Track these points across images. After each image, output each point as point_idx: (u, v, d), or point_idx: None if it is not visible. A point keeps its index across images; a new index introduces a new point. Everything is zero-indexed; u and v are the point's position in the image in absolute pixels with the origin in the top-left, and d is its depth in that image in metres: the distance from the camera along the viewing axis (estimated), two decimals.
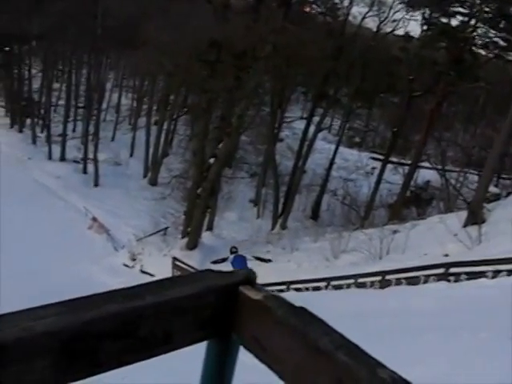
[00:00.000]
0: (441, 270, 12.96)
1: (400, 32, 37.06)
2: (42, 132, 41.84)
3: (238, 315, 0.81)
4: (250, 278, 0.83)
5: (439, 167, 32.35)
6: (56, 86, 46.50)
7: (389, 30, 36.94)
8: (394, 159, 36.56)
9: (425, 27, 34.46)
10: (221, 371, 0.85)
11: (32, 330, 0.64)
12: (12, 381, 0.64)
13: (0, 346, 0.62)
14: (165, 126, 38.08)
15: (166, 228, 29.14)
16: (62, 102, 43.73)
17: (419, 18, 34.66)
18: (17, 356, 0.63)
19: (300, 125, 37.51)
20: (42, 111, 42.72)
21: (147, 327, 0.73)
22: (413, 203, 32.79)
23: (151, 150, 37.89)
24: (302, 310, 0.77)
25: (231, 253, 17.08)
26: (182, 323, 0.77)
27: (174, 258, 23.27)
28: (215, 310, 0.80)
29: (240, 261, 15.74)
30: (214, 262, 19.63)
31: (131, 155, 40.57)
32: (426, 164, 34.50)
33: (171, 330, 0.76)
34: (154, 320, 0.74)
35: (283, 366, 0.75)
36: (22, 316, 0.66)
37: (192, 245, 25.91)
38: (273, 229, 31.89)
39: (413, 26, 37.04)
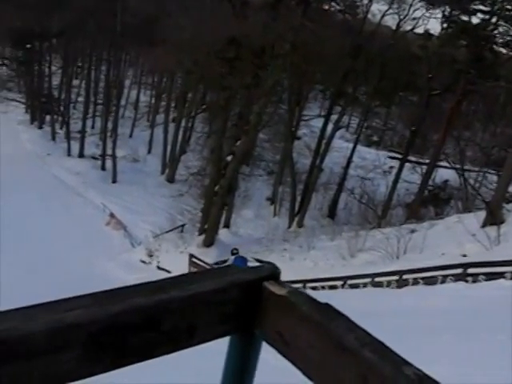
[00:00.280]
0: (459, 271, 12.86)
1: (420, 30, 36.79)
2: (61, 128, 42.20)
3: (262, 310, 0.81)
4: (274, 274, 0.83)
5: (458, 167, 32.06)
6: (75, 82, 46.91)
7: (408, 27, 36.70)
8: (412, 158, 36.31)
9: (445, 25, 34.15)
10: (243, 366, 0.86)
11: (61, 321, 0.64)
12: (39, 372, 0.64)
13: (30, 336, 0.62)
14: (183, 124, 38.18)
15: (183, 225, 29.25)
16: (81, 99, 44.11)
17: (439, 15, 34.37)
18: (45, 347, 0.64)
19: (318, 123, 37.40)
20: (62, 108, 43.09)
21: (172, 321, 0.74)
22: (431, 203, 32.55)
23: (169, 147, 38.02)
24: (327, 306, 0.77)
25: (232, 254, 17.20)
26: (206, 317, 0.78)
27: (191, 255, 23.35)
28: (239, 305, 0.80)
29: (240, 262, 15.75)
30: (216, 264, 19.72)
31: (149, 152, 40.77)
32: (445, 163, 34.22)
33: (195, 324, 0.77)
34: (179, 314, 0.74)
35: (307, 361, 0.75)
36: (52, 307, 0.66)
37: (209, 242, 25.99)
38: (289, 227, 31.86)
39: (433, 23, 36.92)
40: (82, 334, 0.66)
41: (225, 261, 17.94)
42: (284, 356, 0.79)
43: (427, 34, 36.29)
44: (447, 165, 33.99)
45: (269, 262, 0.84)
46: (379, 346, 0.70)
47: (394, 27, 36.91)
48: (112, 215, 29.90)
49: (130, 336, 0.70)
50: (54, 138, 41.11)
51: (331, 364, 0.72)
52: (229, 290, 0.79)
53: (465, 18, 32.29)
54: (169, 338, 0.75)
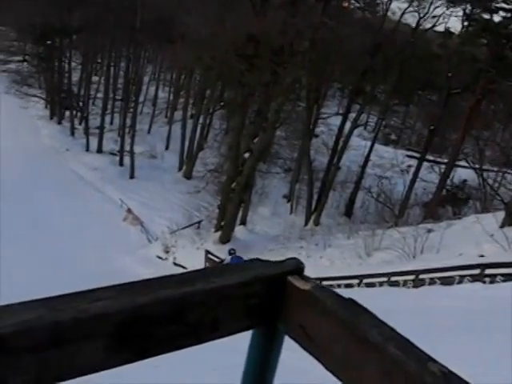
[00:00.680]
0: (476, 271, 12.76)
1: (440, 28, 36.44)
2: (80, 124, 42.51)
3: (285, 305, 0.82)
4: (298, 268, 0.84)
5: (476, 166, 31.74)
6: (95, 78, 47.19)
7: (428, 26, 36.33)
8: (430, 157, 36.01)
9: (466, 23, 33.79)
10: (265, 360, 0.87)
11: (88, 311, 0.65)
12: (64, 362, 0.65)
13: (57, 325, 0.63)
14: (201, 120, 38.26)
15: (200, 221, 29.35)
16: (100, 95, 44.37)
17: (460, 13, 34.01)
18: (72, 336, 0.65)
19: (336, 121, 37.25)
20: (81, 103, 43.39)
21: (196, 313, 0.75)
22: (448, 202, 32.28)
23: (187, 144, 38.13)
24: (351, 301, 0.78)
25: (229, 254, 17.25)
26: (230, 311, 0.79)
27: (207, 252, 23.45)
28: (263, 298, 0.81)
29: (237, 262, 15.79)
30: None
31: (167, 148, 40.91)
32: (463, 163, 33.91)
33: (219, 317, 0.78)
34: (203, 306, 0.76)
35: (330, 356, 0.76)
36: (79, 297, 0.68)
37: (225, 239, 26.06)
38: (306, 225, 31.80)
39: (453, 22, 36.55)
40: (108, 324, 0.67)
41: (222, 261, 18.03)
42: (306, 350, 0.80)
43: (447, 33, 35.97)
44: (466, 164, 33.67)
45: (293, 258, 0.85)
46: (404, 342, 0.71)
47: (413, 25, 36.62)
48: (129, 211, 30.10)
49: (155, 327, 0.72)
50: (72, 134, 41.42)
51: (355, 359, 0.72)
52: (253, 283, 0.80)
53: (486, 16, 31.91)
54: (193, 331, 0.76)
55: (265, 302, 0.82)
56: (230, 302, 0.79)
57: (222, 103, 38.79)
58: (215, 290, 0.77)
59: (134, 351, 0.72)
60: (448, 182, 32.58)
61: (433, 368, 0.66)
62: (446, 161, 33.63)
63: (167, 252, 25.87)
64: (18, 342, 0.62)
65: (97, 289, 0.71)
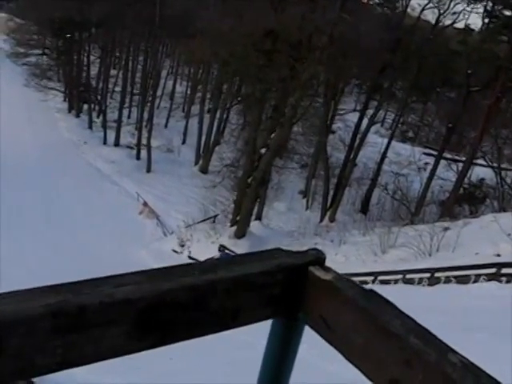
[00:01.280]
0: (492, 270, 12.67)
1: (460, 25, 36.10)
2: (98, 117, 42.76)
3: (306, 295, 0.83)
4: (319, 259, 0.84)
5: (495, 165, 31.45)
6: (113, 72, 47.40)
7: (448, 22, 36.00)
8: (447, 155, 35.72)
9: (486, 20, 33.44)
10: (285, 349, 0.87)
11: (113, 296, 0.67)
12: (89, 345, 0.67)
13: (82, 309, 0.65)
14: (218, 115, 38.30)
15: (216, 216, 29.41)
16: (118, 89, 44.57)
17: (481, 10, 33.66)
18: (96, 321, 0.66)
19: (353, 117, 37.10)
20: (99, 97, 43.63)
21: (218, 301, 0.76)
22: (465, 201, 32.02)
23: (203, 138, 38.20)
24: (373, 292, 0.79)
25: (219, 251, 17.32)
26: (251, 299, 0.80)
27: (221, 246, 23.52)
28: (284, 288, 0.82)
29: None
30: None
31: (183, 142, 41.02)
32: (481, 161, 33.61)
33: (240, 306, 0.79)
34: (225, 294, 0.77)
35: (350, 346, 0.77)
36: (104, 282, 0.69)
37: (240, 233, 26.10)
38: (321, 221, 31.75)
39: (474, 18, 36.18)
40: (132, 309, 0.69)
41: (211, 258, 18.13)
42: (326, 340, 0.81)
43: (468, 29, 35.64)
44: (484, 163, 33.37)
45: (314, 249, 0.86)
46: (425, 333, 0.71)
47: (433, 22, 36.31)
48: (145, 204, 30.24)
49: (177, 314, 0.73)
50: (90, 127, 41.68)
51: (375, 349, 0.73)
52: (275, 273, 0.81)
53: (507, 13, 31.54)
54: (215, 318, 0.78)
55: (286, 291, 0.83)
56: (251, 291, 0.80)
57: (239, 98, 38.78)
58: (237, 278, 0.78)
59: (156, 336, 0.73)
60: (465, 180, 32.30)
61: (453, 359, 0.67)
62: (463, 159, 33.32)
63: (182, 246, 25.97)
64: (45, 323, 0.63)
65: (121, 274, 0.73)
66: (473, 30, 35.39)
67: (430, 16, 37.09)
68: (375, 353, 0.73)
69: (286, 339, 0.87)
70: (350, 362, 0.77)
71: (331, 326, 0.80)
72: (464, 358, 0.68)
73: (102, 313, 0.66)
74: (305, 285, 0.83)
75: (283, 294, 0.83)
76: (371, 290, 0.79)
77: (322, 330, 0.81)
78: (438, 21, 35.63)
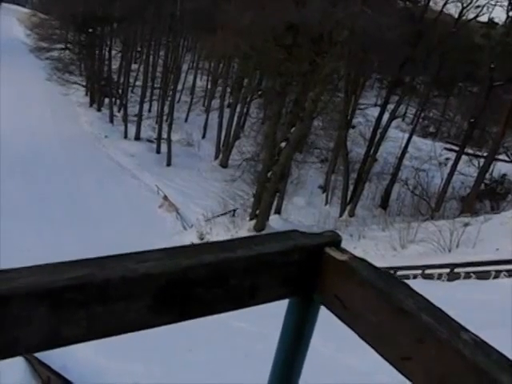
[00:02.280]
0: None
1: (483, 18, 35.63)
2: (119, 111, 43.05)
3: (322, 275, 0.84)
4: (335, 240, 0.86)
5: None
6: (134, 67, 47.67)
7: (471, 16, 35.55)
8: (469, 151, 35.37)
9: (511, 13, 32.97)
10: (300, 329, 0.90)
11: (135, 271, 0.70)
12: (111, 318, 0.70)
13: (106, 283, 0.68)
14: (238, 109, 38.34)
15: (235, 209, 29.49)
16: (139, 83, 44.81)
17: (505, 3, 33.16)
18: (120, 294, 0.69)
19: (374, 112, 36.90)
20: (120, 91, 43.92)
21: (236, 279, 0.79)
22: (487, 197, 31.73)
23: (223, 132, 38.28)
24: (387, 273, 0.81)
25: None
26: (268, 278, 0.82)
27: None
28: (300, 268, 0.84)
29: None
30: None
31: (203, 137, 41.15)
32: (503, 157, 33.23)
33: (258, 284, 0.81)
34: (243, 273, 0.79)
35: (364, 325, 0.79)
36: (127, 258, 0.73)
37: (259, 227, 26.13)
38: (341, 216, 31.65)
39: (497, 12, 35.64)
40: (154, 284, 0.72)
41: None
42: (341, 320, 0.82)
43: (491, 23, 35.22)
44: (506, 158, 33.00)
45: (330, 231, 0.88)
46: (438, 311, 0.73)
47: (456, 15, 35.90)
48: (165, 198, 30.42)
49: (197, 290, 0.76)
50: (111, 121, 41.98)
51: (389, 327, 0.75)
52: (292, 253, 0.83)
53: None
54: (233, 296, 0.80)
55: (302, 271, 0.85)
56: (269, 270, 0.82)
57: (259, 92, 38.76)
58: (255, 257, 0.80)
59: (177, 311, 0.76)
60: (487, 176, 31.99)
61: (465, 336, 0.69)
62: (485, 154, 32.98)
63: (202, 239, 26.08)
64: (71, 295, 0.66)
65: (144, 251, 0.76)
66: (497, 23, 34.97)
67: (453, 9, 36.85)
68: (388, 331, 0.76)
69: (302, 319, 0.89)
70: (364, 340, 0.80)
71: (346, 305, 0.82)
72: (475, 335, 0.69)
73: (125, 287, 0.69)
74: (321, 265, 0.85)
75: (299, 273, 0.85)
76: (386, 271, 0.81)
77: (337, 309, 0.83)
78: (461, 14, 35.17)
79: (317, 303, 0.88)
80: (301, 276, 0.85)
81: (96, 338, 0.71)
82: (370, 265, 0.82)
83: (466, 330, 0.70)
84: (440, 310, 0.74)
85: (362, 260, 0.83)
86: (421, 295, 0.77)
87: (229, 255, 0.78)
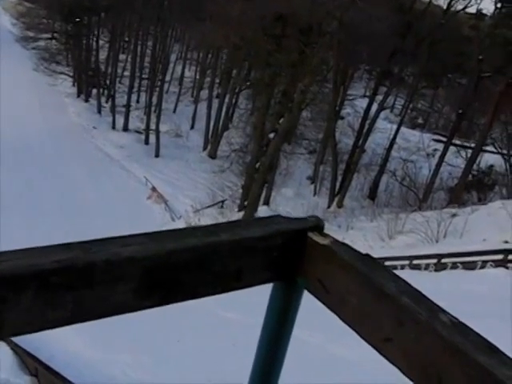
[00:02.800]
0: (499, 257, 12.69)
1: (472, 10, 35.67)
2: (106, 102, 42.81)
3: (305, 259, 0.85)
4: (318, 225, 0.87)
5: (504, 152, 31.30)
6: (122, 57, 47.37)
7: (460, 7, 35.58)
8: (457, 142, 35.55)
9: (499, 5, 33.04)
10: (284, 313, 0.90)
11: (119, 254, 0.70)
12: (97, 301, 0.71)
13: (91, 266, 0.68)
14: (226, 100, 38.25)
15: (224, 201, 29.49)
16: (127, 73, 44.54)
17: None
18: (105, 277, 0.70)
19: (362, 103, 36.96)
20: (108, 82, 43.67)
21: (221, 263, 0.79)
22: (474, 187, 31.92)
23: (212, 123, 38.20)
24: (368, 256, 0.81)
25: None
26: (252, 262, 0.83)
27: None
28: (283, 252, 0.85)
29: None
30: None
31: (192, 127, 41.04)
32: (491, 148, 33.44)
33: (242, 268, 0.82)
34: (227, 256, 0.80)
35: (345, 307, 0.80)
36: (112, 242, 0.73)
37: (248, 218, 26.18)
38: (329, 207, 31.75)
39: (486, 3, 35.69)
40: (138, 268, 0.72)
41: None
42: (324, 303, 0.83)
43: (479, 14, 35.27)
44: (493, 149, 33.21)
45: (314, 216, 0.88)
46: (417, 294, 0.74)
47: (444, 6, 35.92)
48: (154, 189, 30.36)
49: (181, 274, 0.76)
50: (99, 112, 41.75)
51: (370, 310, 0.76)
52: (275, 237, 0.83)
53: None
54: (217, 279, 0.80)
55: (285, 255, 0.85)
56: (252, 254, 0.83)
57: (248, 83, 38.70)
58: (239, 241, 0.81)
59: (161, 295, 0.76)
60: (474, 166, 32.19)
61: (443, 318, 0.69)
62: (473, 145, 33.17)
63: None
64: (56, 279, 0.66)
65: (128, 235, 0.76)
66: (485, 15, 35.02)
67: (442, 1, 36.71)
68: (370, 314, 0.76)
69: (286, 303, 0.90)
70: (346, 323, 0.80)
71: (328, 289, 0.82)
72: (454, 317, 0.70)
73: (109, 270, 0.70)
74: (304, 250, 0.85)
75: (283, 257, 0.85)
76: (367, 254, 0.82)
77: (319, 293, 0.84)
78: (449, 5, 35.16)
79: (300, 287, 0.88)
80: (284, 260, 0.86)
81: (82, 321, 0.71)
82: (352, 249, 0.83)
83: (445, 312, 0.71)
84: (420, 293, 0.75)
85: (344, 244, 0.84)
86: (402, 279, 0.78)
87: (213, 239, 0.79)
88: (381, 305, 0.75)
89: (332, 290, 0.82)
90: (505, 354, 0.65)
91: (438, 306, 0.73)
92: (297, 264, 0.86)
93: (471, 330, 0.69)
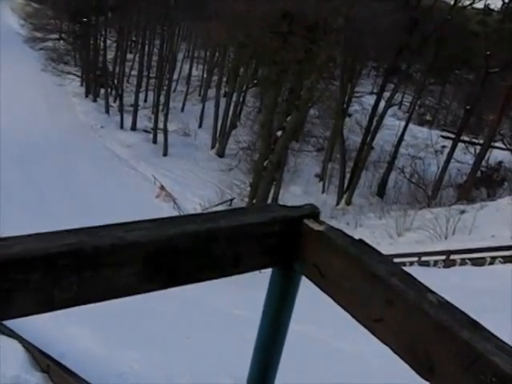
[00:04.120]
0: (508, 253, 12.64)
1: (479, 5, 35.57)
2: (114, 102, 42.89)
3: (301, 245, 0.89)
4: (314, 213, 0.91)
5: None
6: (129, 56, 47.44)
7: (467, 2, 35.37)
8: (465, 138, 35.38)
9: (506, 0, 32.88)
10: (283, 298, 0.95)
11: (123, 239, 0.75)
12: (102, 283, 0.75)
13: (97, 250, 0.73)
14: (234, 98, 38.25)
15: (232, 199, 29.52)
16: (134, 73, 44.64)
17: None
18: (110, 260, 0.74)
19: (370, 100, 36.86)
20: (116, 81, 43.75)
21: (220, 248, 0.83)
22: (483, 184, 31.77)
23: (220, 122, 38.22)
24: (361, 241, 0.86)
25: None
26: (250, 248, 0.87)
27: None
28: (280, 238, 0.89)
29: None
30: None
31: (200, 126, 41.06)
32: (500, 144, 33.28)
33: (240, 253, 0.86)
34: (226, 242, 0.84)
35: (339, 290, 0.84)
36: (116, 228, 0.78)
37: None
38: (338, 204, 31.72)
39: None
40: (141, 252, 0.76)
41: None
42: (319, 287, 0.87)
43: (487, 9, 35.12)
44: (502, 146, 33.05)
45: (310, 204, 0.93)
46: (407, 276, 0.78)
47: (451, 2, 35.74)
48: (162, 187, 30.42)
49: (182, 258, 0.81)
50: (107, 111, 41.84)
51: (361, 291, 0.80)
52: (272, 224, 0.88)
53: None
54: (216, 264, 0.85)
55: (282, 241, 0.89)
56: (250, 240, 0.87)
57: (255, 81, 38.68)
58: (237, 227, 0.85)
59: (163, 278, 0.81)
60: (483, 163, 32.05)
61: (431, 297, 0.74)
62: (481, 142, 33.02)
63: None
64: (63, 261, 0.70)
65: (132, 222, 0.80)
66: (492, 10, 34.87)
67: None
68: (361, 295, 0.81)
69: (284, 288, 0.94)
70: (340, 306, 0.84)
71: (323, 273, 0.86)
72: (442, 297, 0.74)
73: (114, 254, 0.74)
74: (300, 236, 0.89)
75: (280, 244, 0.89)
76: (360, 239, 0.86)
77: (315, 277, 0.88)
78: (456, 1, 35.04)
79: (298, 272, 0.93)
80: (281, 246, 0.90)
81: (87, 303, 0.76)
82: (345, 234, 0.87)
83: (433, 293, 0.75)
84: (409, 274, 0.79)
85: (338, 230, 0.88)
86: (393, 262, 0.82)
87: (212, 225, 0.83)
88: (371, 286, 0.79)
89: (327, 275, 0.86)
90: (487, 330, 0.69)
91: (427, 287, 0.77)
92: (293, 250, 0.90)
93: (457, 308, 0.72)
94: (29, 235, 0.72)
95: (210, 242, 0.83)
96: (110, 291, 0.77)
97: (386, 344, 0.77)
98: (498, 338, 0.67)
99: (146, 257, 0.77)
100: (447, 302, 0.73)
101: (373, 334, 0.79)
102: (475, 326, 0.69)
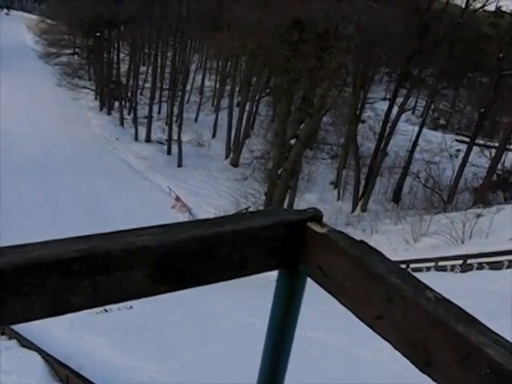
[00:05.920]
0: None
1: (491, 7, 35.35)
2: (129, 114, 43.25)
3: (305, 248, 0.93)
4: (316, 216, 0.95)
5: None
6: (142, 69, 47.86)
7: (478, 5, 35.24)
8: (480, 141, 35.17)
9: None
10: (289, 299, 0.98)
11: (134, 243, 0.79)
12: (114, 286, 0.79)
13: (108, 254, 0.77)
14: (247, 108, 38.38)
15: (247, 208, 29.54)
16: (147, 85, 45.00)
17: None
18: (120, 264, 0.78)
19: (383, 106, 36.81)
20: (129, 94, 44.13)
21: (226, 251, 0.87)
22: (499, 187, 31.50)
23: (233, 131, 38.35)
24: (362, 242, 0.89)
25: None
26: (255, 251, 0.91)
27: None
28: (285, 241, 0.92)
29: None
30: None
31: (213, 136, 41.24)
32: None
33: (246, 256, 0.90)
34: (232, 245, 0.87)
35: (342, 289, 0.87)
36: (127, 233, 0.82)
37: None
38: (353, 211, 31.64)
39: (505, 0, 35.22)
40: (151, 256, 0.80)
41: None
42: (323, 287, 0.91)
43: (499, 12, 34.95)
44: None
45: (313, 208, 0.97)
46: (405, 274, 0.81)
47: (463, 5, 35.62)
48: (177, 198, 30.56)
49: (190, 261, 0.85)
50: (122, 124, 42.20)
51: (363, 290, 0.84)
52: (276, 227, 0.91)
53: None
54: (223, 267, 0.89)
55: (287, 244, 0.93)
56: (255, 243, 0.91)
57: (267, 90, 38.81)
58: (242, 231, 0.89)
59: (173, 281, 0.85)
60: (499, 166, 31.80)
61: (429, 294, 0.77)
62: (496, 145, 32.78)
63: None
64: (78, 266, 0.75)
65: (142, 227, 0.84)
66: (504, 12, 34.66)
67: (459, 0, 36.47)
68: (363, 293, 0.84)
69: (290, 289, 0.98)
70: (344, 305, 0.88)
71: (326, 274, 0.90)
72: (439, 294, 0.77)
73: (125, 258, 0.78)
74: (304, 239, 0.93)
75: (284, 246, 0.93)
76: (361, 241, 0.89)
77: (319, 278, 0.92)
78: (467, 4, 34.89)
79: (302, 274, 0.96)
80: (286, 249, 0.93)
81: (100, 305, 0.80)
82: (347, 236, 0.90)
83: (431, 290, 0.78)
84: (408, 272, 0.82)
85: (340, 232, 0.91)
86: (391, 260, 0.85)
87: (218, 229, 0.87)
88: (372, 285, 0.82)
89: (330, 275, 0.90)
90: (482, 324, 0.72)
91: (425, 284, 0.80)
92: (298, 252, 0.94)
93: (454, 304, 0.75)
94: (44, 242, 0.77)
95: (217, 245, 0.87)
96: (122, 293, 0.81)
97: (387, 340, 0.80)
98: (492, 331, 0.70)
99: (155, 260, 0.81)
100: (444, 299, 0.76)
101: (375, 331, 0.82)
102: (471, 320, 0.72)
